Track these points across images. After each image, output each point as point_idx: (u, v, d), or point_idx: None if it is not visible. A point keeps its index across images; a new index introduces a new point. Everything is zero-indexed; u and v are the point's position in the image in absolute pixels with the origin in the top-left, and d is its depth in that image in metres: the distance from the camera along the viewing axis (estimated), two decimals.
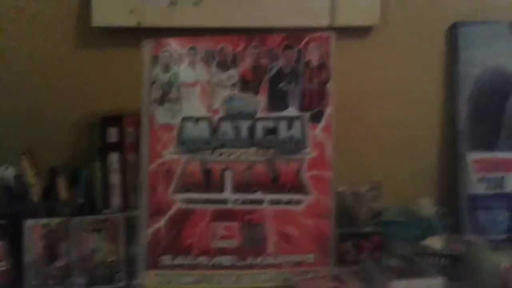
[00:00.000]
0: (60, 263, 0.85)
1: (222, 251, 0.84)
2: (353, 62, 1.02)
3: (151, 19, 0.97)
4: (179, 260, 0.84)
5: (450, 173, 1.03)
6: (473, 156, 0.91)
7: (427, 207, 0.96)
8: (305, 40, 0.86)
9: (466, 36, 0.99)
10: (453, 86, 1.02)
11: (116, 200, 0.93)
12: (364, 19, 1.00)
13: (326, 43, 0.86)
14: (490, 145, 0.99)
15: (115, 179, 0.93)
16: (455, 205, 1.00)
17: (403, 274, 0.79)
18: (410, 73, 1.04)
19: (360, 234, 0.93)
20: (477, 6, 1.02)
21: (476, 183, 0.91)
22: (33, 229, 0.85)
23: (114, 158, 0.93)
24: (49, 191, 0.91)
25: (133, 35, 0.96)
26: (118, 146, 0.93)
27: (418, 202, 0.97)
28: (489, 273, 0.77)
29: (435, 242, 0.88)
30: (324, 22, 0.98)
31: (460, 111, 1.00)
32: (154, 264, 0.84)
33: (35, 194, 0.89)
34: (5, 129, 1.00)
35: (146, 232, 0.84)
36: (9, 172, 0.89)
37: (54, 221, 0.86)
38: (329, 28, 0.93)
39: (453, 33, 1.01)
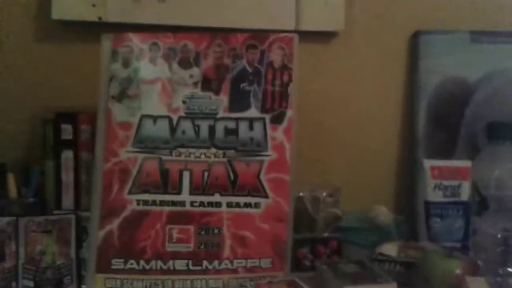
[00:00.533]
0: (7, 264, 0.81)
1: (177, 255, 0.82)
2: (316, 67, 1.03)
3: (113, 14, 0.95)
4: (131, 264, 0.81)
5: (407, 180, 1.05)
6: (430, 163, 0.92)
7: (384, 214, 0.97)
8: (269, 40, 0.85)
9: (427, 44, 1.01)
10: (413, 93, 1.03)
11: (68, 200, 0.89)
12: (329, 24, 1.00)
13: (290, 44, 0.85)
14: (447, 153, 1.01)
15: (68, 178, 0.89)
16: (412, 212, 1.01)
17: (357, 279, 0.78)
18: (371, 80, 1.05)
19: (317, 239, 0.92)
20: (439, 15, 1.04)
21: (432, 191, 0.92)
22: None
23: (67, 156, 0.89)
24: None
25: (94, 30, 0.93)
26: (72, 144, 0.89)
27: (375, 209, 0.98)
28: (442, 280, 0.77)
29: (391, 249, 0.88)
30: (289, 26, 0.98)
31: (419, 118, 1.02)
32: (105, 267, 0.80)
33: None
34: None
35: (98, 234, 0.81)
36: None
37: (3, 220, 0.82)
38: (295, 32, 0.93)
39: (414, 41, 1.03)
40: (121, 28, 0.90)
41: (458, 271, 0.78)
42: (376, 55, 1.04)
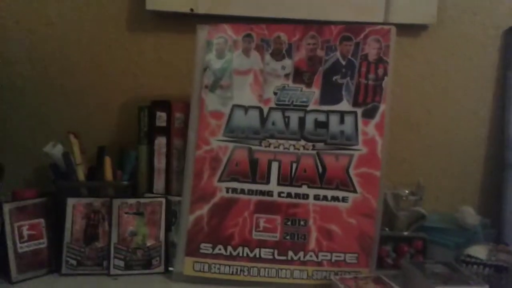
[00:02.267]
0: (99, 244, 0.85)
1: (263, 244, 0.83)
2: (404, 61, 1.01)
3: (204, 6, 0.97)
4: (219, 250, 0.83)
5: (496, 182, 1.00)
6: None
7: (471, 215, 0.94)
8: (365, 32, 0.84)
9: None
10: (505, 91, 0.99)
11: (160, 184, 0.93)
12: (420, 17, 0.98)
13: (386, 36, 0.84)
14: None
15: (160, 163, 0.93)
16: (498, 215, 0.97)
17: (447, 280, 0.77)
18: (462, 76, 1.01)
19: (401, 237, 0.91)
20: None
21: None
22: (75, 207, 0.86)
23: (161, 142, 0.93)
24: (95, 171, 0.91)
25: (186, 21, 0.96)
26: (166, 131, 0.92)
27: (462, 210, 0.95)
28: None
29: (479, 251, 0.85)
30: (378, 18, 0.96)
31: (511, 117, 0.97)
32: (194, 251, 0.83)
33: (81, 173, 0.90)
34: (55, 108, 1.00)
35: (188, 218, 0.84)
36: (57, 150, 0.89)
37: (97, 201, 0.87)
38: (384, 24, 0.91)
39: (508, 37, 0.99)
40: (211, 20, 0.92)
41: None
42: (467, 51, 1.01)
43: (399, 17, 0.96)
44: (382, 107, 0.83)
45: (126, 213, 0.87)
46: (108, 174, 0.90)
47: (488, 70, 1.01)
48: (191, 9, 0.97)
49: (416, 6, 0.97)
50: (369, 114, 0.83)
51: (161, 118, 0.92)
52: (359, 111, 0.84)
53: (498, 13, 1.00)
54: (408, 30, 0.99)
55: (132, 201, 0.87)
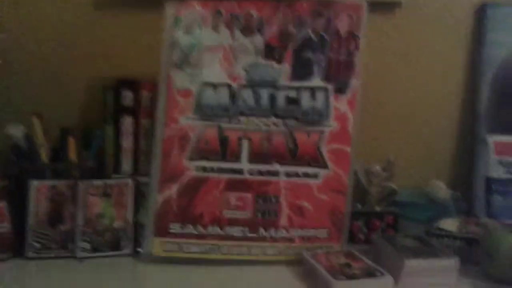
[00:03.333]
0: (65, 226, 0.83)
1: (234, 222, 0.83)
2: (378, 38, 1.00)
3: None
4: (188, 229, 0.82)
5: (466, 156, 1.02)
6: (494, 139, 0.89)
7: (442, 189, 0.95)
8: (336, 8, 0.83)
9: (494, 17, 0.97)
10: (477, 67, 1.00)
11: (127, 165, 0.91)
12: None
13: (358, 11, 0.83)
14: (510, 129, 0.97)
15: (127, 143, 0.90)
16: (469, 188, 0.99)
17: (418, 253, 0.78)
18: (435, 52, 1.02)
19: (372, 213, 0.92)
20: None
21: (495, 167, 0.89)
22: (39, 190, 0.83)
23: (127, 121, 0.90)
24: (59, 152, 0.88)
25: None
26: (133, 110, 0.90)
27: (432, 184, 0.96)
28: (507, 256, 0.76)
29: (450, 225, 0.87)
30: None
31: (483, 92, 0.98)
32: (162, 231, 0.82)
33: (44, 154, 0.87)
34: (19, 90, 0.97)
35: (157, 199, 0.82)
36: (19, 131, 0.86)
37: (62, 183, 0.84)
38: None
39: (481, 14, 0.99)
40: None
41: None
42: (440, 27, 1.01)
43: None
44: (354, 83, 0.82)
45: (92, 195, 0.84)
46: (72, 155, 0.87)
47: (461, 46, 1.02)
48: None
49: None
50: (340, 90, 0.83)
51: (127, 97, 0.89)
52: (331, 86, 0.83)
53: None
54: (382, 7, 0.98)
55: (98, 182, 0.85)
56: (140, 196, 0.87)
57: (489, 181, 0.90)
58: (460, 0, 1.00)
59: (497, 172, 0.89)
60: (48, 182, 0.84)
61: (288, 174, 0.83)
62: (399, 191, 0.93)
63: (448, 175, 1.03)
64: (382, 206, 0.93)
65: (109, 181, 0.86)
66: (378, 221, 0.91)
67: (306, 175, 0.83)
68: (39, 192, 0.83)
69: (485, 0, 0.99)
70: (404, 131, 1.03)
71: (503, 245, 0.76)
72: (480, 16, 0.99)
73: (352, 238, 0.90)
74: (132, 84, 0.90)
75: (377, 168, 0.94)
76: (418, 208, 0.93)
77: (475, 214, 0.94)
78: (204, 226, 0.82)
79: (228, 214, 0.83)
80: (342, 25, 0.83)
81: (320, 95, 0.83)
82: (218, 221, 0.82)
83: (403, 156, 1.01)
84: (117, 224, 0.85)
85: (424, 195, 0.95)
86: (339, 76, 0.83)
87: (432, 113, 1.03)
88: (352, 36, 0.83)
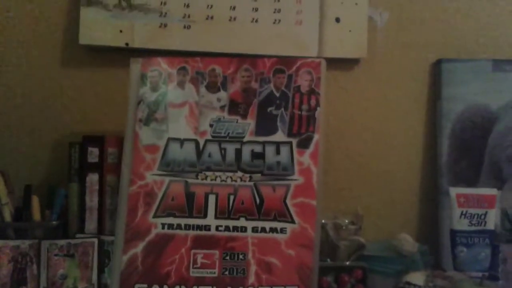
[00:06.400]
0: None
1: (201, 281, 0.80)
2: (339, 93, 1.03)
3: (140, 40, 0.96)
4: None
5: (431, 208, 1.03)
6: (456, 191, 0.91)
7: (409, 242, 0.95)
8: (297, 65, 0.86)
9: (449, 72, 1.02)
10: (436, 121, 1.03)
11: (92, 223, 0.89)
12: (351, 51, 1.01)
13: (317, 69, 0.86)
14: (471, 181, 1.00)
15: (92, 201, 0.89)
16: (436, 241, 1.00)
17: None
18: (394, 107, 1.05)
19: (341, 267, 0.91)
20: (461, 43, 1.05)
21: (458, 219, 0.91)
22: (1, 250, 0.81)
23: (93, 179, 0.89)
24: (22, 211, 0.86)
25: (121, 55, 0.95)
26: (98, 167, 0.89)
27: (399, 237, 0.96)
28: None
29: (418, 278, 0.86)
30: (312, 53, 0.99)
31: (442, 146, 1.01)
32: None
33: (7, 213, 0.85)
34: None
35: (121, 258, 0.80)
36: None
37: (25, 243, 0.82)
38: (317, 58, 0.94)
39: (436, 69, 1.04)
40: (147, 54, 0.91)
41: None
42: (398, 83, 1.05)
43: (332, 52, 1.00)
44: (316, 137, 0.84)
45: (56, 255, 0.82)
46: (36, 214, 0.86)
47: (419, 100, 1.05)
48: (126, 44, 0.97)
49: (347, 41, 1.01)
50: (303, 144, 0.84)
51: (93, 153, 0.89)
52: (294, 141, 0.84)
53: (426, 46, 1.05)
54: (341, 63, 1.02)
55: (62, 242, 0.83)
56: (105, 257, 0.85)
57: (453, 233, 0.91)
58: (416, 55, 1.05)
59: (461, 224, 0.90)
60: (11, 243, 0.82)
61: (255, 229, 0.82)
62: (367, 245, 0.93)
63: (416, 227, 1.04)
64: (351, 260, 0.92)
65: (73, 241, 0.84)
66: (347, 276, 0.90)
67: (273, 230, 0.82)
68: (1, 253, 0.81)
69: (440, 55, 1.04)
70: (369, 183, 1.05)
71: None
72: (436, 71, 1.04)
73: None
74: (98, 140, 0.90)
75: (346, 221, 0.95)
76: (387, 261, 0.93)
77: (442, 267, 0.94)
78: (171, 286, 0.80)
79: (195, 273, 0.81)
80: (303, 81, 0.85)
81: (284, 150, 0.84)
82: (185, 281, 0.80)
83: (372, 209, 1.02)
84: (81, 285, 0.82)
85: (392, 248, 0.95)
86: (301, 130, 0.84)
87: (395, 166, 1.05)
88: (313, 92, 0.85)
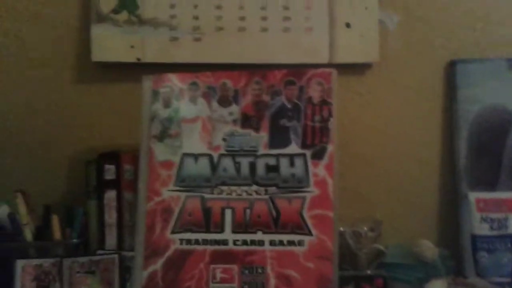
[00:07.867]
0: None
1: None
2: (353, 99, 1.03)
3: (151, 55, 0.97)
4: None
5: (451, 212, 1.01)
6: (475, 196, 0.90)
7: (430, 249, 0.94)
8: (307, 76, 0.86)
9: (464, 73, 1.00)
10: (452, 123, 1.01)
11: (111, 240, 0.90)
12: (363, 56, 1.00)
13: (328, 79, 0.85)
14: (491, 183, 0.97)
15: (111, 218, 0.90)
16: (457, 245, 0.98)
17: None
18: (409, 110, 1.04)
19: (361, 277, 0.90)
20: (475, 44, 1.03)
21: (478, 224, 0.89)
22: (25, 269, 0.83)
23: (110, 196, 0.90)
24: (42, 230, 0.88)
25: (133, 70, 0.96)
26: (115, 184, 0.90)
27: (420, 244, 0.95)
28: None
29: (439, 285, 0.85)
30: (323, 59, 0.99)
31: (460, 148, 0.99)
32: None
33: (28, 233, 0.87)
34: (1, 166, 0.97)
35: (142, 274, 0.81)
36: (3, 210, 0.86)
37: (47, 261, 0.83)
38: (329, 65, 0.93)
39: (451, 71, 1.02)
40: (159, 68, 0.92)
41: None
42: (412, 86, 1.03)
43: (343, 58, 0.99)
44: (330, 148, 0.83)
45: (77, 272, 0.84)
46: (57, 233, 0.87)
47: (434, 103, 1.03)
48: (138, 59, 0.97)
49: (358, 46, 1.00)
50: (318, 156, 0.83)
51: (109, 171, 0.90)
52: (308, 153, 0.84)
53: (439, 48, 1.03)
54: (353, 68, 1.01)
55: (83, 259, 0.84)
56: (126, 272, 0.86)
57: (474, 238, 0.89)
58: (429, 57, 1.03)
59: (482, 229, 0.89)
60: (33, 261, 0.83)
61: (273, 243, 0.82)
62: (387, 252, 0.93)
63: (435, 232, 1.02)
64: (371, 268, 0.92)
65: (94, 258, 0.85)
66: (368, 285, 0.89)
67: (291, 243, 0.82)
68: (24, 272, 0.82)
69: (454, 56, 1.02)
70: (387, 188, 1.03)
71: None
72: (450, 73, 1.02)
73: None
74: (114, 157, 0.91)
75: (365, 229, 0.94)
76: (408, 269, 0.92)
77: (463, 273, 0.93)
78: None
79: (214, 287, 0.81)
80: (314, 92, 0.85)
81: (298, 162, 0.83)
82: None
83: (390, 215, 1.01)
84: None
85: (412, 255, 0.94)
86: (315, 142, 0.84)
87: (413, 169, 1.03)
88: (325, 102, 0.85)
